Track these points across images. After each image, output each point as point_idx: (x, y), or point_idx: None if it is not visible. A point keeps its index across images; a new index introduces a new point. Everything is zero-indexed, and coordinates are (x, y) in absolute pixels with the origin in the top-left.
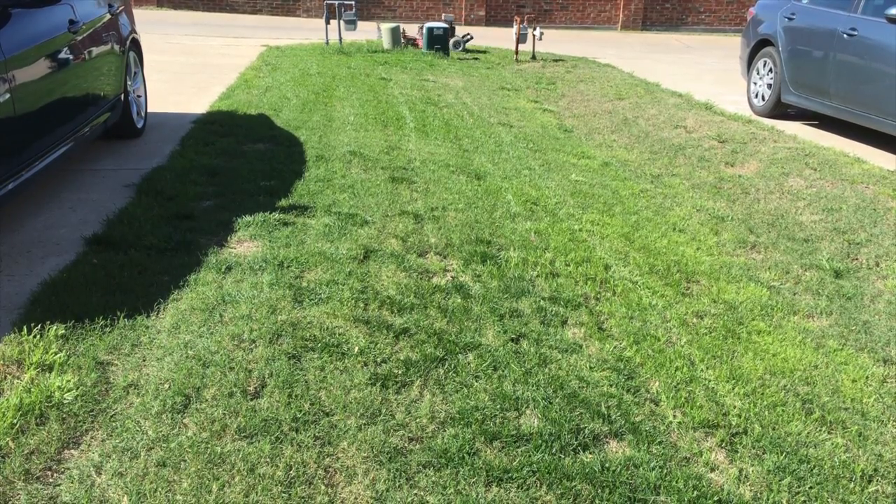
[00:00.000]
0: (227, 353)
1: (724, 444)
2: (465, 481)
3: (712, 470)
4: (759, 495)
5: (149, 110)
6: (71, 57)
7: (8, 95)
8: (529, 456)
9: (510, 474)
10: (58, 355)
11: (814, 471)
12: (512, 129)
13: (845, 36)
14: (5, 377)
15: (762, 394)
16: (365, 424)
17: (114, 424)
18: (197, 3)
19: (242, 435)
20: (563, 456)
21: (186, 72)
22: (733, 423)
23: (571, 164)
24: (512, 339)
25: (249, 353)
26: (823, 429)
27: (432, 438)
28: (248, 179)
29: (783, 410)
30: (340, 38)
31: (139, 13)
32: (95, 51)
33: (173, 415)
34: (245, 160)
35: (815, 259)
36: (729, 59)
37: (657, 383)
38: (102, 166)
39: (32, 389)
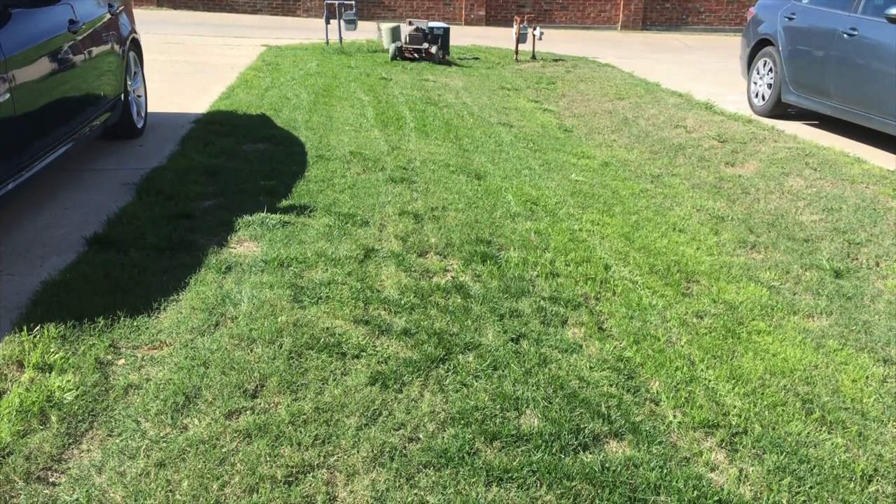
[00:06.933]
0: (227, 353)
1: (724, 444)
2: (466, 481)
3: (712, 470)
4: (759, 495)
5: (149, 110)
6: (71, 57)
7: (8, 95)
8: (529, 456)
9: (510, 474)
10: (58, 355)
11: (814, 471)
12: (512, 129)
13: (845, 36)
14: (5, 377)
15: (762, 394)
16: (365, 424)
17: (114, 424)
18: (197, 3)
19: (242, 435)
20: (563, 456)
21: (186, 72)
22: (733, 423)
23: (571, 163)
24: (512, 339)
25: (249, 352)
26: (823, 429)
27: (432, 438)
28: (249, 179)
29: (783, 410)
30: (341, 38)
31: (139, 13)
32: (95, 51)
33: (173, 415)
34: (245, 160)
35: (815, 259)
36: (729, 59)
37: (657, 383)
38: (102, 166)
39: (32, 389)
